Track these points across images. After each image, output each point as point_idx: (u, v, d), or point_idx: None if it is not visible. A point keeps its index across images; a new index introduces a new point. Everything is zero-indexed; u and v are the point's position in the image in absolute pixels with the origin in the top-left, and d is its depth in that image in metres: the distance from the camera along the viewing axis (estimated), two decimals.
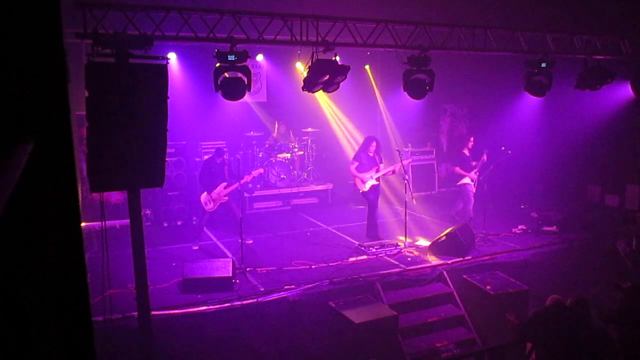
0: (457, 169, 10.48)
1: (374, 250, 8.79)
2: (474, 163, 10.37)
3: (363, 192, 9.39)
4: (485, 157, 10.28)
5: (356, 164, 9.35)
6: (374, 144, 9.30)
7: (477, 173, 10.37)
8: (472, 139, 10.60)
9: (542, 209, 10.62)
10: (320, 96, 12.45)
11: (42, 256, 1.10)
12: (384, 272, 7.92)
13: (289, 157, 12.13)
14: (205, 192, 8.95)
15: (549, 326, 5.46)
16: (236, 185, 8.84)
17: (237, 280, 7.42)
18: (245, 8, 7.19)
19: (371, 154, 9.32)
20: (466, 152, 10.50)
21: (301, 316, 7.03)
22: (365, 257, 8.60)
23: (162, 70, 5.66)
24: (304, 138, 12.58)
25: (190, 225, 10.43)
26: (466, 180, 10.35)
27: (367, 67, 13.16)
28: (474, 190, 10.36)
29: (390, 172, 9.37)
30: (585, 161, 11.22)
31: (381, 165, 9.35)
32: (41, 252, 1.10)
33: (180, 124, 9.98)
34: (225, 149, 9.45)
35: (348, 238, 9.67)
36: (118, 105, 5.45)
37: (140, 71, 5.70)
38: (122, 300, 6.51)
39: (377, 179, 9.34)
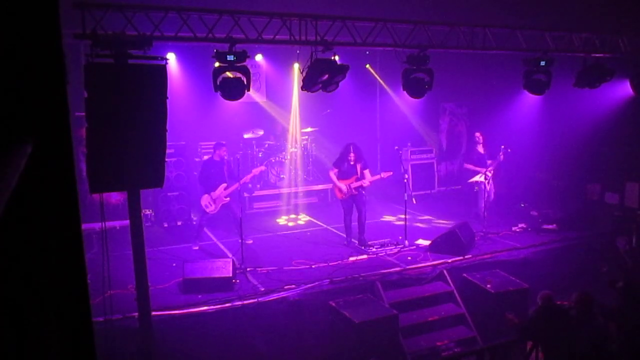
0: (466, 165, 10.43)
1: (374, 249, 8.79)
2: (489, 161, 10.22)
3: (340, 200, 9.15)
4: (502, 157, 10.02)
5: (336, 170, 9.01)
6: (352, 154, 8.83)
7: (492, 171, 10.16)
8: (478, 134, 10.49)
9: (542, 207, 10.61)
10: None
11: (43, 257, 1.10)
12: (384, 271, 7.93)
13: (288, 157, 12.12)
14: (206, 194, 8.93)
15: (547, 324, 5.47)
16: (236, 185, 8.80)
17: (238, 280, 7.43)
18: (244, 8, 7.18)
19: (352, 162, 8.86)
20: (480, 149, 10.39)
21: (301, 316, 7.03)
22: (365, 256, 8.61)
23: (161, 70, 5.65)
24: (303, 138, 12.58)
25: (190, 226, 10.43)
26: (477, 177, 10.17)
27: (368, 66, 13.14)
28: (487, 189, 10.19)
29: (367, 184, 8.92)
30: (584, 159, 11.21)
31: (366, 172, 8.88)
32: (41, 253, 1.10)
33: (180, 124, 9.96)
34: (224, 142, 9.32)
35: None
36: (117, 106, 5.44)
37: (139, 72, 5.70)
38: (122, 300, 6.52)
39: (356, 189, 8.90)
